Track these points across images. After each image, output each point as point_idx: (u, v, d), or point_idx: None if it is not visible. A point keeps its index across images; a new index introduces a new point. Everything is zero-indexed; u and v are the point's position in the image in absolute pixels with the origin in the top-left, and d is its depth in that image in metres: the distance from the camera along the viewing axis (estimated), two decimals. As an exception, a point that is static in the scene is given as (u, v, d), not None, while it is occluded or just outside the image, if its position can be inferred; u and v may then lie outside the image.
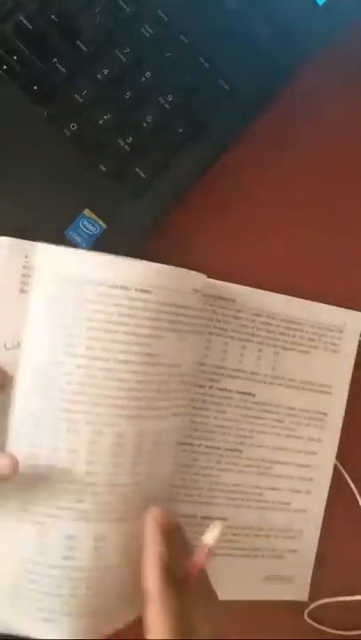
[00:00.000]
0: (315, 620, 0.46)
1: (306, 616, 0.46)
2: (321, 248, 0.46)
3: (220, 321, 0.41)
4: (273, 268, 0.44)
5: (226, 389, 0.42)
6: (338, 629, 0.47)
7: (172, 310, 0.35)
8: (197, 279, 0.37)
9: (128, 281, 0.33)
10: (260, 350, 0.42)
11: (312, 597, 0.46)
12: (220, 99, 0.41)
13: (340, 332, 0.45)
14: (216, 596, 0.36)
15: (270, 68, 0.42)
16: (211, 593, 0.36)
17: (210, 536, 0.34)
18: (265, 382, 0.43)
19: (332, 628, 0.47)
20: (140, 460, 0.35)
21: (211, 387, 0.41)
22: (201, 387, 0.41)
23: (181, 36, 0.40)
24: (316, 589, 0.46)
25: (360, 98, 0.46)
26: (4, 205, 0.37)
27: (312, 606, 0.46)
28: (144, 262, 0.35)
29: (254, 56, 0.42)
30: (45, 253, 0.34)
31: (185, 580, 0.34)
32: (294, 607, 0.46)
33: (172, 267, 0.35)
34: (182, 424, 0.39)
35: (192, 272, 0.37)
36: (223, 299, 0.41)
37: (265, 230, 0.44)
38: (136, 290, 0.34)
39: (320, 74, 0.44)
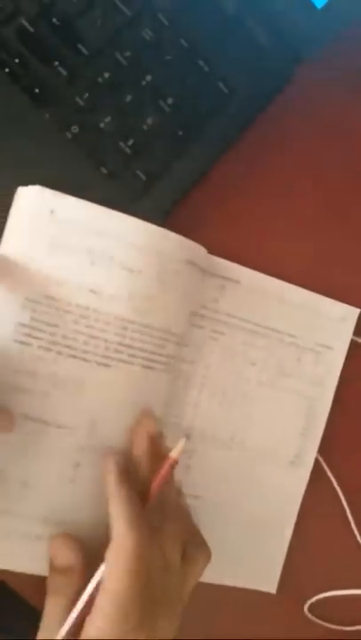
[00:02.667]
0: (315, 615, 0.45)
1: (306, 610, 0.45)
2: (323, 245, 0.45)
3: (217, 301, 0.41)
4: (275, 263, 0.43)
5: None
6: (338, 624, 0.46)
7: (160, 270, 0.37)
8: (192, 250, 0.38)
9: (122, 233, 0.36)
10: (252, 334, 0.42)
11: (311, 592, 0.45)
12: (219, 102, 0.40)
13: (337, 326, 0.44)
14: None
15: (269, 71, 0.41)
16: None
17: (175, 451, 0.35)
18: (255, 365, 0.42)
19: (332, 623, 0.46)
20: None
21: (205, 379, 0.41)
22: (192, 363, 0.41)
23: (181, 40, 0.39)
24: (315, 584, 0.45)
25: (358, 100, 0.45)
26: (6, 207, 0.36)
27: (311, 601, 0.45)
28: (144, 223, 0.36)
29: (253, 59, 0.41)
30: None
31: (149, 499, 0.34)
32: (294, 601, 0.45)
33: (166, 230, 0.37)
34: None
35: (188, 241, 0.37)
36: (229, 279, 0.41)
37: (265, 229, 0.43)
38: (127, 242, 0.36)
39: (319, 76, 0.43)
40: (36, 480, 0.35)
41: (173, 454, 0.35)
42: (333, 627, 0.46)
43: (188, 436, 0.35)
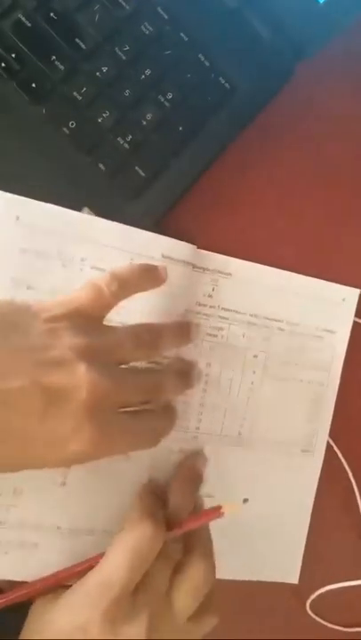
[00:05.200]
0: (317, 613, 0.44)
1: (308, 608, 0.43)
2: (320, 231, 0.43)
3: (211, 296, 0.39)
4: (273, 255, 0.41)
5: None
6: (339, 625, 0.44)
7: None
8: (169, 246, 0.36)
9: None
10: (251, 326, 0.40)
11: (313, 587, 0.44)
12: (220, 97, 0.38)
13: (337, 309, 0.42)
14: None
15: (271, 67, 0.40)
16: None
17: (228, 507, 0.34)
18: (257, 357, 0.40)
19: (334, 623, 0.44)
20: None
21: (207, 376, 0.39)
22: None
23: (181, 34, 0.37)
24: (316, 579, 0.43)
25: (360, 96, 0.43)
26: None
27: (314, 596, 0.44)
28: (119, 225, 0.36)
29: (255, 54, 0.39)
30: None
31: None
32: (296, 598, 0.43)
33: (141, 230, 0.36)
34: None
35: (161, 237, 0.36)
36: (220, 272, 0.39)
37: (265, 226, 0.42)
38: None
39: (320, 72, 0.42)
40: (27, 486, 0.34)
41: (225, 510, 0.33)
42: (334, 627, 0.44)
43: (245, 500, 0.35)
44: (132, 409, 0.32)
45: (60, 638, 0.29)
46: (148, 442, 0.32)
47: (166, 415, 0.35)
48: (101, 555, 0.32)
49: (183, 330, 0.36)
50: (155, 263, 0.35)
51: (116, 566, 0.30)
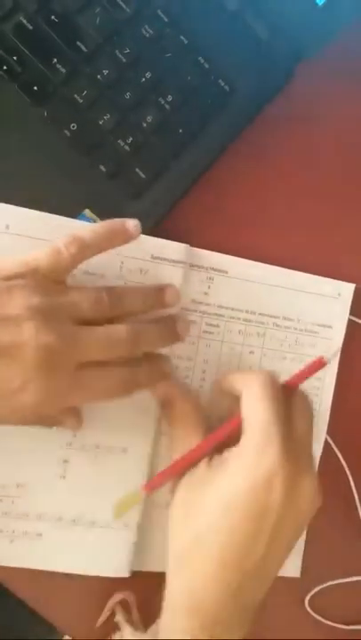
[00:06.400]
0: (315, 609, 0.44)
1: (306, 605, 0.43)
2: (317, 229, 0.43)
3: (207, 294, 0.39)
4: (270, 248, 0.41)
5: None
6: (338, 622, 0.44)
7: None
8: (158, 246, 0.36)
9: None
10: (247, 323, 0.40)
11: (312, 584, 0.44)
12: (219, 99, 0.38)
13: (333, 304, 0.42)
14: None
15: (270, 69, 0.40)
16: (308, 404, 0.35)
17: (327, 356, 0.34)
18: (253, 353, 0.40)
19: (332, 620, 0.44)
20: None
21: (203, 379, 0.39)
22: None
23: (181, 37, 0.37)
24: (315, 575, 0.43)
25: (359, 97, 0.43)
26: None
27: (312, 593, 0.44)
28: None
29: (254, 56, 0.39)
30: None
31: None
32: (294, 595, 0.43)
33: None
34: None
35: (149, 238, 0.36)
36: (215, 270, 0.39)
37: (264, 224, 0.42)
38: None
39: (319, 74, 0.42)
40: (29, 480, 0.35)
41: (327, 355, 0.34)
42: (333, 624, 0.44)
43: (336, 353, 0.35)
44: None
45: (242, 496, 0.29)
46: (102, 393, 0.32)
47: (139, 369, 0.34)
48: (238, 417, 0.32)
49: (153, 293, 0.35)
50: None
51: (263, 410, 0.30)
